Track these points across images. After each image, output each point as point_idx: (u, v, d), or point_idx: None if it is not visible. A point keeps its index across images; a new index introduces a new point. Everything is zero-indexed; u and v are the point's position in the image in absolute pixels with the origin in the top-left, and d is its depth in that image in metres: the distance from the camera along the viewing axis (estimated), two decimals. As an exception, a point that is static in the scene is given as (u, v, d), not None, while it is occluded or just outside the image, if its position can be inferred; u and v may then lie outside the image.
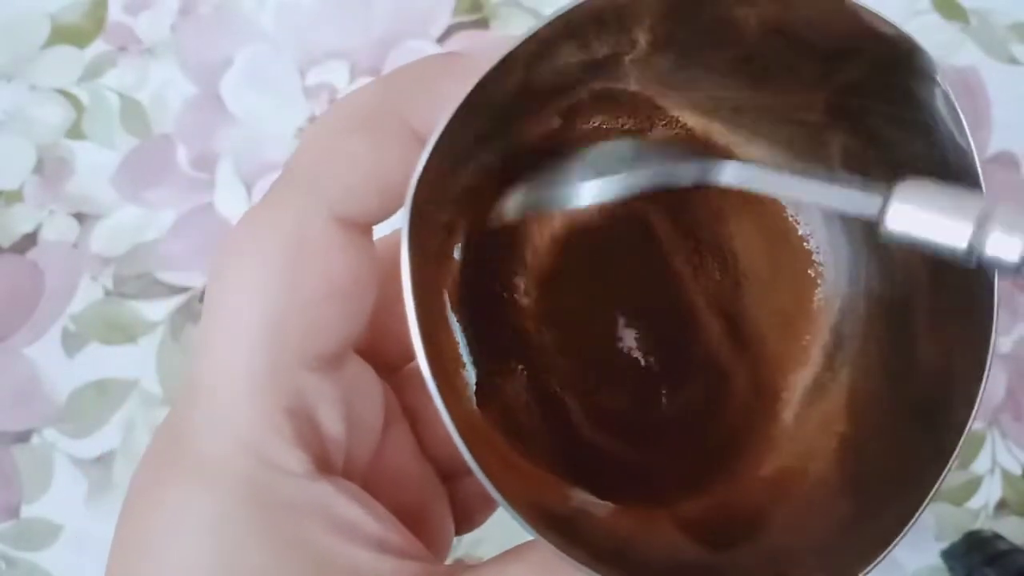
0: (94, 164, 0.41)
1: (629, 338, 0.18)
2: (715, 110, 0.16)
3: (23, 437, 0.39)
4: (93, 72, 0.42)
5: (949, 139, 0.13)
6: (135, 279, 0.40)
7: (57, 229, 0.41)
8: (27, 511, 0.38)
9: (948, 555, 0.38)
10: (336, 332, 0.13)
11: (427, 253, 0.13)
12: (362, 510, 0.13)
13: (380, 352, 0.15)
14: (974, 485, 0.39)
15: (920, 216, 0.12)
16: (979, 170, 0.13)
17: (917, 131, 0.14)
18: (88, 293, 0.40)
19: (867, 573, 0.13)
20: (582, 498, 0.15)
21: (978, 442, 0.40)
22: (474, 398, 0.16)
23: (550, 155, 0.16)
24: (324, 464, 0.13)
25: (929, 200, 0.12)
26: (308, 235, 0.13)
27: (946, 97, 0.13)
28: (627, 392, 0.17)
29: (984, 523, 0.39)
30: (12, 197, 0.41)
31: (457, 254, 0.16)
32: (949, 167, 0.13)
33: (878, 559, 0.12)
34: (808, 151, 0.16)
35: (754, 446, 0.16)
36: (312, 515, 0.13)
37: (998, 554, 0.37)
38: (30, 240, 0.41)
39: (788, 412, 0.16)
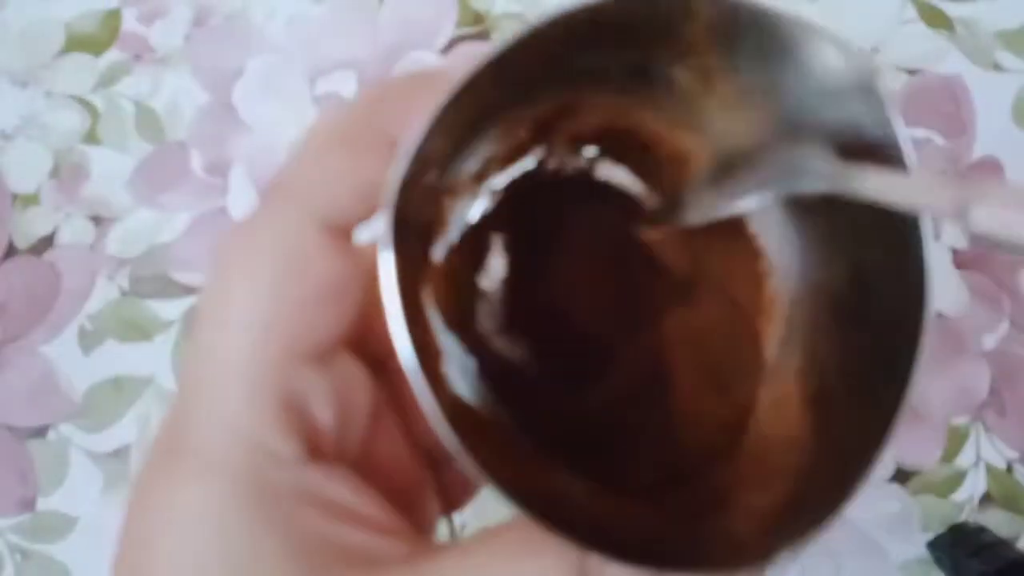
0: (109, 169, 0.42)
1: (592, 330, 0.19)
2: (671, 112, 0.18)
3: (40, 432, 0.40)
4: (108, 80, 0.43)
5: (882, 140, 0.14)
6: (150, 279, 0.41)
7: (74, 231, 0.42)
8: (43, 504, 0.39)
9: (934, 546, 0.39)
10: (325, 330, 0.14)
11: (405, 252, 0.14)
12: (352, 493, 0.14)
13: (367, 347, 0.16)
14: (959, 479, 0.40)
15: (1008, 216, 0.11)
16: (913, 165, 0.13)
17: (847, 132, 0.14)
18: (104, 293, 0.41)
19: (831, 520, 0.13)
20: (563, 480, 0.16)
21: (962, 437, 0.40)
22: (453, 386, 0.17)
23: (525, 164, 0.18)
24: (316, 452, 0.14)
25: (1016, 199, 0.11)
26: (297, 242, 0.14)
27: (879, 100, 0.14)
28: (594, 381, 0.18)
29: (969, 516, 0.40)
30: (29, 200, 0.42)
31: (436, 253, 0.17)
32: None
33: (839, 509, 0.13)
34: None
35: (722, 431, 0.17)
36: (306, 500, 0.13)
37: (983, 546, 0.38)
38: (47, 242, 0.42)
39: (754, 404, 0.17)
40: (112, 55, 0.43)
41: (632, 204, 0.19)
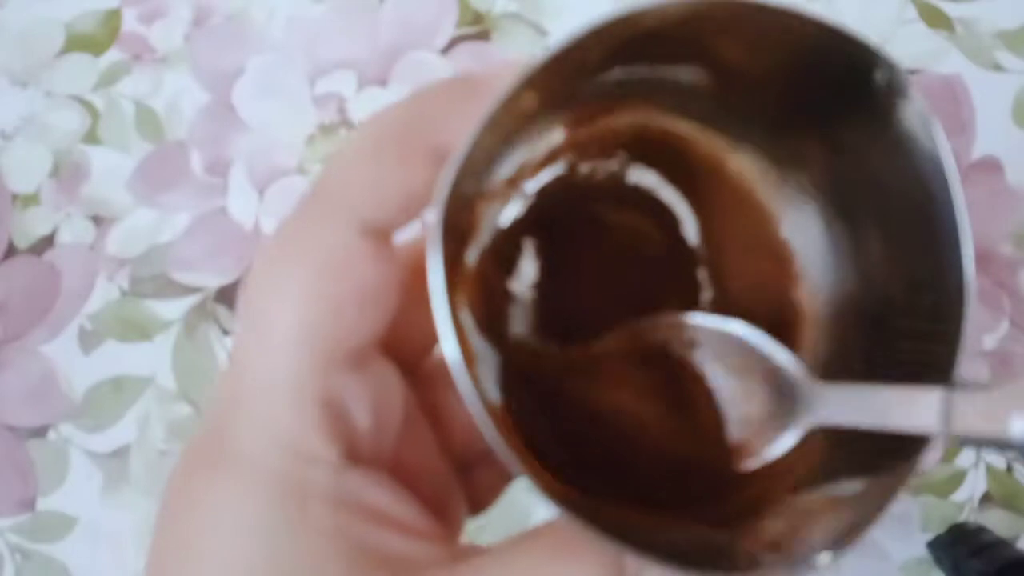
0: (110, 169, 0.42)
1: (621, 346, 0.19)
2: (702, 119, 0.18)
3: (39, 432, 0.40)
4: (108, 80, 0.43)
5: (925, 154, 0.14)
6: (150, 279, 0.41)
7: (74, 231, 0.42)
8: (43, 504, 0.39)
9: (934, 546, 0.39)
10: (364, 333, 0.14)
11: (444, 257, 0.14)
12: (390, 497, 0.14)
13: (400, 351, 0.16)
14: (959, 478, 0.40)
15: None
16: (956, 186, 0.13)
17: (890, 146, 0.14)
18: (104, 293, 0.41)
19: (869, 530, 0.13)
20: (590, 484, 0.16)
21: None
22: (491, 395, 0.17)
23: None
24: (354, 456, 0.14)
25: None
26: (340, 247, 0.14)
27: (921, 114, 0.14)
28: (626, 396, 0.18)
29: (969, 516, 0.40)
30: (29, 200, 0.42)
31: (470, 256, 0.17)
32: (923, 182, 0.14)
33: (880, 514, 0.13)
34: (788, 160, 0.17)
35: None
36: (347, 504, 0.13)
37: (984, 546, 0.37)
38: (47, 242, 0.42)
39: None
40: (112, 55, 0.43)
41: (663, 209, 0.19)
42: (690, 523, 0.16)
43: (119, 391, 0.40)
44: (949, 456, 0.40)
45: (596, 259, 0.19)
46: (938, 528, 0.39)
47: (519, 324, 0.18)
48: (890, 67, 0.14)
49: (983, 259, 0.42)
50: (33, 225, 0.42)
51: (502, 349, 0.18)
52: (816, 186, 0.17)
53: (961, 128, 0.43)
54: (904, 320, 0.15)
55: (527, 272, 0.18)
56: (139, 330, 0.41)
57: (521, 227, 0.18)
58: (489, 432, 0.13)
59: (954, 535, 0.39)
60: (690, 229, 0.19)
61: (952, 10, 0.44)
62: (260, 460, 0.13)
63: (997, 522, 0.39)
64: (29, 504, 0.39)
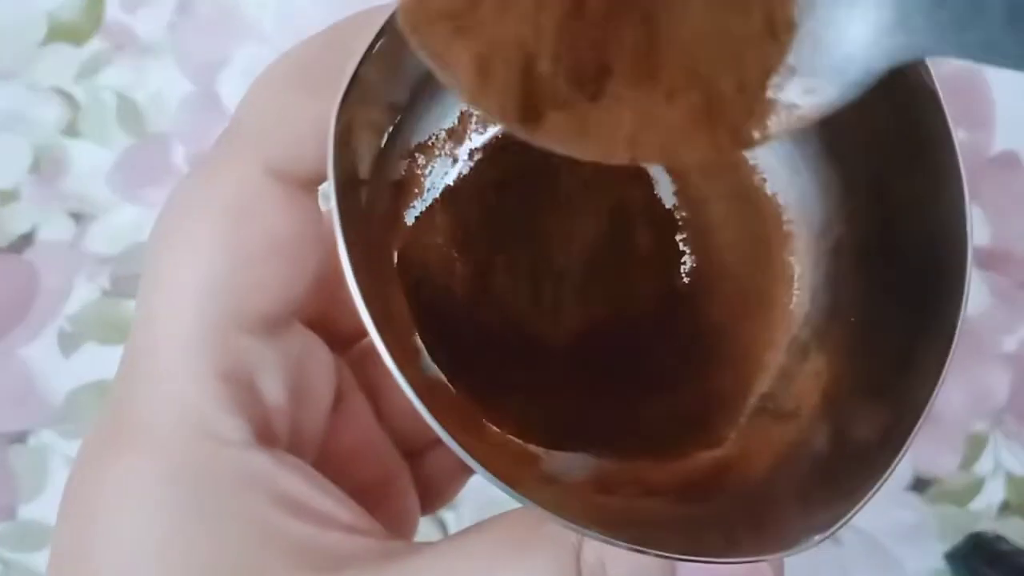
0: (90, 163, 0.41)
1: (597, 310, 0.17)
2: None
3: (19, 438, 0.39)
4: (90, 70, 0.42)
5: (915, 86, 0.13)
6: (133, 279, 0.40)
7: (54, 228, 0.41)
8: (24, 512, 0.38)
9: (951, 557, 0.38)
10: (276, 293, 0.13)
11: (373, 213, 0.12)
12: (306, 484, 0.13)
13: (333, 325, 0.15)
14: (977, 486, 0.39)
15: None
16: (946, 117, 0.13)
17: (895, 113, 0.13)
18: (85, 293, 0.40)
19: (855, 514, 0.12)
20: (552, 464, 0.15)
21: (981, 443, 0.39)
22: (430, 364, 0.15)
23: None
24: (266, 435, 0.13)
25: None
26: (246, 192, 0.12)
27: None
28: (587, 356, 0.17)
29: (987, 524, 0.39)
30: (8, 197, 0.41)
31: (409, 215, 0.16)
32: (913, 117, 0.13)
33: (866, 498, 0.12)
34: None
35: (730, 410, 0.16)
36: (251, 487, 0.12)
37: (1001, 555, 0.37)
38: (26, 240, 0.40)
39: (770, 373, 0.16)
40: (94, 44, 0.42)
41: (631, 167, 0.17)
42: (662, 489, 0.15)
43: (101, 396, 0.39)
44: (967, 464, 0.39)
45: (559, 226, 0.17)
46: (955, 538, 0.38)
47: (470, 290, 0.17)
48: None
49: (1002, 259, 0.40)
50: (12, 222, 0.41)
51: (453, 316, 0.16)
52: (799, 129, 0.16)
53: (980, 122, 0.41)
54: (899, 265, 0.14)
55: (478, 236, 0.17)
56: (121, 332, 0.40)
57: (472, 186, 0.16)
58: (413, 401, 0.11)
59: (972, 544, 0.38)
60: (665, 190, 0.17)
61: None
62: (161, 433, 0.12)
63: (1016, 531, 0.38)
64: (9, 512, 0.38)
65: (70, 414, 0.39)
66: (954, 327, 0.13)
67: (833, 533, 0.12)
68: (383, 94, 0.13)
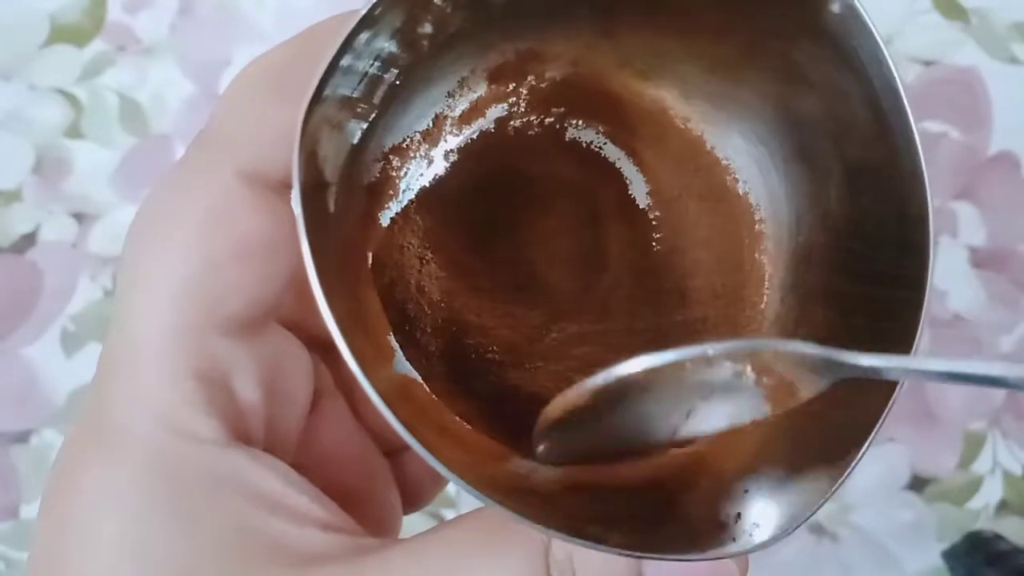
0: (93, 164, 0.41)
1: (571, 308, 0.17)
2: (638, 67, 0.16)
3: (22, 438, 0.39)
4: (92, 71, 0.42)
5: (876, 76, 0.13)
6: (134, 279, 0.40)
7: (56, 229, 0.41)
8: (26, 511, 0.38)
9: (949, 555, 0.38)
10: (249, 293, 0.13)
11: (347, 215, 0.12)
12: (281, 482, 0.13)
13: (311, 326, 0.15)
14: (975, 486, 0.39)
15: None
16: (904, 102, 0.13)
17: (841, 69, 0.14)
18: (87, 293, 0.40)
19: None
20: (523, 461, 0.15)
21: (979, 442, 0.39)
22: (404, 363, 0.16)
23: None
24: (241, 434, 0.13)
25: None
26: (219, 195, 0.13)
27: (871, 35, 0.13)
28: (561, 355, 0.17)
29: (985, 523, 0.39)
30: (11, 197, 0.41)
31: (384, 216, 0.16)
32: (877, 106, 0.13)
33: (829, 493, 0.12)
34: (735, 102, 0.16)
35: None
36: (226, 486, 0.12)
37: (999, 554, 0.37)
38: (29, 240, 0.40)
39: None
40: (96, 46, 0.42)
41: (608, 169, 0.17)
42: (632, 483, 0.15)
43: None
44: (965, 463, 0.39)
45: (534, 226, 0.17)
46: (954, 536, 0.38)
47: (446, 293, 0.17)
48: None
49: (1000, 259, 0.41)
50: (15, 223, 0.41)
51: (425, 318, 0.16)
52: (769, 128, 0.16)
53: (978, 123, 0.41)
54: (867, 264, 0.14)
55: (452, 237, 0.17)
56: (124, 332, 0.40)
57: (447, 188, 0.16)
58: (380, 405, 0.11)
59: (970, 543, 0.38)
60: (639, 189, 0.17)
61: (967, 0, 0.43)
62: (136, 434, 0.12)
63: (1014, 529, 0.39)
64: (12, 511, 0.38)
65: (72, 414, 0.39)
66: (920, 306, 0.13)
67: (796, 529, 0.12)
68: (352, 98, 0.13)
